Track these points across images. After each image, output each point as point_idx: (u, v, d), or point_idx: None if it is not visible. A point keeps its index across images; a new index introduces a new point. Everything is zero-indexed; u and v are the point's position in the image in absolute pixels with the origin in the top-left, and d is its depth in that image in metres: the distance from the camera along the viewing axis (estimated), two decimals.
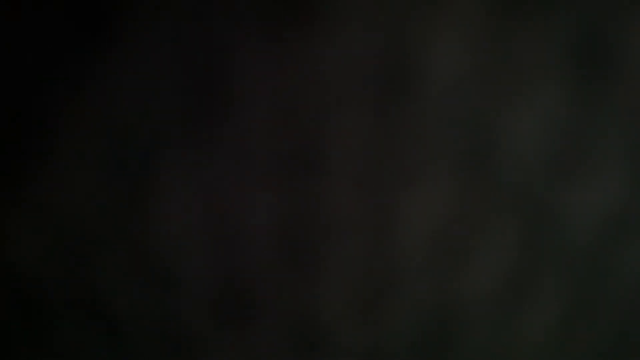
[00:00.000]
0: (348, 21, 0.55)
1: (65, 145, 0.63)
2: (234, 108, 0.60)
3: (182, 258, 0.75)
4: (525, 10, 0.54)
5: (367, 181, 0.67)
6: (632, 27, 0.55)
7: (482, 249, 0.74)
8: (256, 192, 0.67)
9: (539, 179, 0.67)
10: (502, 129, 0.62)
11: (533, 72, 0.58)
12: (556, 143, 0.63)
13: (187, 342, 0.87)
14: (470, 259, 0.75)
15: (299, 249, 0.74)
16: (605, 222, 0.71)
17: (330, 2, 0.54)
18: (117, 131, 0.62)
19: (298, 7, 0.54)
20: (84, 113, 0.60)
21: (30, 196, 0.67)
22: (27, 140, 0.62)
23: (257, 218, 0.70)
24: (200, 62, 0.57)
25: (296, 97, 0.60)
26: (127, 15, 0.54)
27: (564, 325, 0.84)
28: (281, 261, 0.75)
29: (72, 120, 0.61)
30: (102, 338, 0.86)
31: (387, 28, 0.55)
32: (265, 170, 0.65)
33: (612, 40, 0.56)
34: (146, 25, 0.55)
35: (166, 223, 0.70)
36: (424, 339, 0.87)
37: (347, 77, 0.58)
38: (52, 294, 0.79)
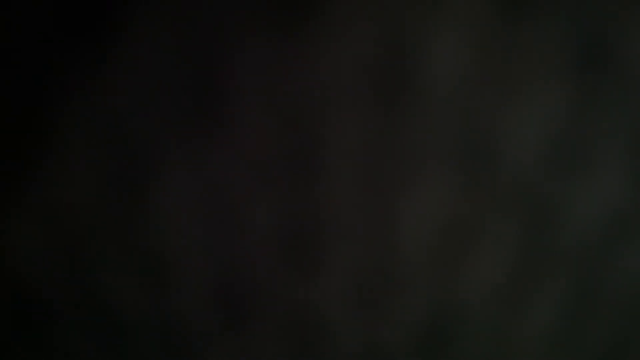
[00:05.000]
0: (348, 21, 0.55)
1: (66, 145, 0.63)
2: (234, 107, 0.60)
3: (182, 258, 0.75)
4: (525, 10, 0.54)
5: (367, 181, 0.67)
6: (632, 27, 0.55)
7: (483, 248, 0.74)
8: (256, 192, 0.67)
9: (539, 178, 0.67)
10: (503, 129, 0.62)
11: (533, 71, 0.58)
12: (556, 142, 0.63)
13: (187, 342, 0.87)
14: (470, 259, 0.75)
15: (299, 249, 0.74)
16: (605, 221, 0.71)
17: (330, 2, 0.54)
18: (117, 130, 0.62)
19: (298, 6, 0.54)
20: (84, 113, 0.60)
21: (30, 196, 0.67)
22: (28, 140, 0.62)
23: (257, 218, 0.70)
24: (200, 62, 0.57)
25: (296, 97, 0.60)
26: (127, 16, 0.54)
27: (565, 324, 0.84)
28: (281, 261, 0.75)
29: (72, 120, 0.61)
30: (102, 337, 0.86)
31: (388, 28, 0.55)
32: (265, 169, 0.65)
33: (613, 40, 0.56)
34: (146, 26, 0.55)
35: (166, 223, 0.70)
36: (424, 339, 0.87)
37: (347, 77, 0.58)
38: (52, 294, 0.79)
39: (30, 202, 0.68)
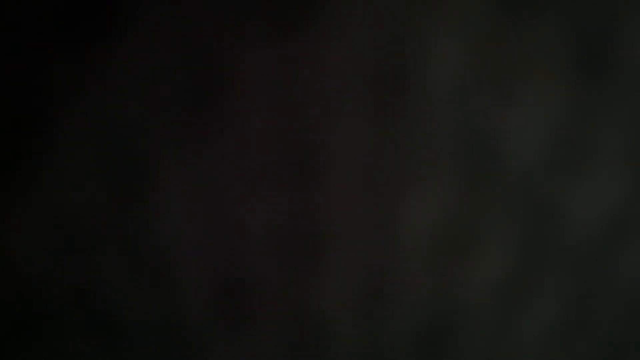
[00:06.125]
0: (348, 22, 0.55)
1: (65, 144, 0.63)
2: (234, 108, 0.60)
3: (182, 257, 0.75)
4: (525, 10, 0.54)
5: (367, 181, 0.67)
6: (633, 27, 0.55)
7: (483, 249, 0.74)
8: (256, 192, 0.67)
9: (539, 179, 0.67)
10: (503, 130, 0.62)
11: (533, 71, 0.58)
12: (556, 143, 0.63)
13: (186, 341, 0.87)
14: (470, 259, 0.75)
15: (299, 249, 0.74)
16: (605, 222, 0.71)
17: (330, 3, 0.54)
18: (117, 130, 0.62)
19: (298, 7, 0.54)
20: (84, 113, 0.60)
21: (30, 196, 0.67)
22: (28, 140, 0.62)
23: (257, 218, 0.70)
24: (200, 62, 0.57)
25: (296, 98, 0.60)
26: (127, 15, 0.54)
27: (564, 325, 0.84)
28: (281, 261, 0.75)
29: (72, 119, 0.61)
30: (102, 337, 0.86)
31: (388, 28, 0.55)
32: (265, 169, 0.65)
33: (613, 40, 0.56)
34: (146, 26, 0.55)
35: (166, 222, 0.70)
36: (424, 339, 0.87)
37: (347, 78, 0.58)
38: (52, 293, 0.79)
39: (30, 203, 0.68)
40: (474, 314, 0.83)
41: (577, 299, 0.80)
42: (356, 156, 0.64)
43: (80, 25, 0.54)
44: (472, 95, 0.60)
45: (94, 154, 0.64)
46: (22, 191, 0.67)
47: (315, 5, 0.54)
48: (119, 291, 0.79)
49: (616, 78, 0.58)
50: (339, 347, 0.88)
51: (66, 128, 0.61)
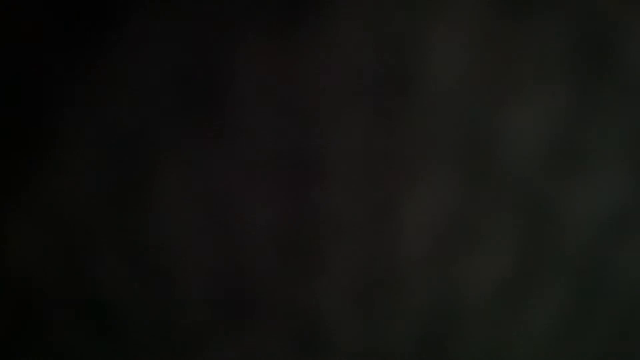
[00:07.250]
0: (348, 21, 0.55)
1: (66, 144, 0.63)
2: (235, 107, 0.60)
3: (182, 258, 0.75)
4: (526, 10, 0.54)
5: (368, 181, 0.67)
6: (633, 27, 0.55)
7: (483, 248, 0.74)
8: (257, 191, 0.67)
9: (539, 178, 0.67)
10: (503, 129, 0.62)
11: (533, 71, 0.58)
12: (557, 142, 0.63)
13: (187, 342, 0.87)
14: (470, 259, 0.75)
15: (299, 249, 0.74)
16: (605, 220, 0.71)
17: (330, 3, 0.54)
18: (117, 130, 0.62)
19: (298, 7, 0.54)
20: (84, 113, 0.60)
21: (31, 196, 0.67)
22: (28, 140, 0.62)
23: (258, 217, 0.70)
24: (201, 62, 0.57)
25: (296, 97, 0.60)
26: (128, 16, 0.54)
27: (564, 325, 0.84)
28: (282, 261, 0.75)
29: (72, 119, 0.61)
30: (102, 337, 0.86)
31: (388, 28, 0.55)
32: (265, 169, 0.65)
33: (613, 40, 0.56)
34: (147, 26, 0.55)
35: (167, 222, 0.70)
36: (424, 339, 0.87)
37: (348, 77, 0.58)
38: (52, 293, 0.79)
39: (31, 203, 0.68)
40: (474, 313, 0.83)
41: (577, 298, 0.80)
42: (357, 156, 0.64)
43: (80, 25, 0.54)
44: (472, 95, 0.60)
45: (95, 155, 0.64)
46: (22, 192, 0.67)
47: (315, 6, 0.54)
48: (120, 293, 0.79)
49: (616, 78, 0.58)
50: (339, 346, 0.88)
51: (66, 129, 0.61)
